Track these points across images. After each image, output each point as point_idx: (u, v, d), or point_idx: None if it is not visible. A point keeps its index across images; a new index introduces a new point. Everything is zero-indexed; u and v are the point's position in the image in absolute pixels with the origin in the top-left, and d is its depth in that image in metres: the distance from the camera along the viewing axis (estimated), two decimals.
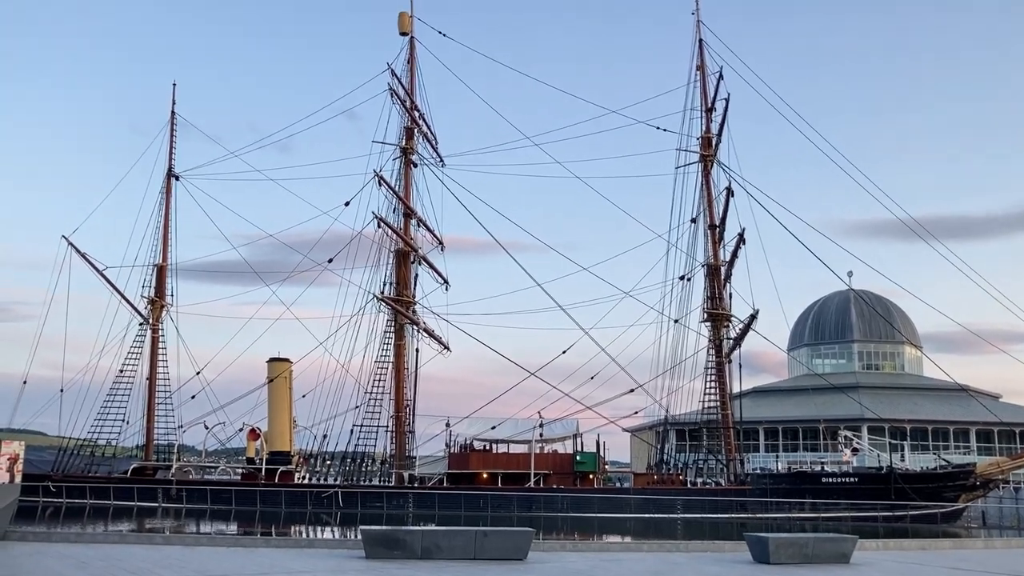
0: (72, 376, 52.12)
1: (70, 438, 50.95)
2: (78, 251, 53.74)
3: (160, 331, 54.77)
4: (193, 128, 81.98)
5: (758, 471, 54.43)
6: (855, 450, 52.33)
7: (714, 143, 54.52)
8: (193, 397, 51.89)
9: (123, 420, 52.03)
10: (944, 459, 52.02)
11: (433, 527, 18.03)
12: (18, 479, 16.71)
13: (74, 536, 19.32)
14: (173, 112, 58.04)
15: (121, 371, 52.72)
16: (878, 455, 52.39)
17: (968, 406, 62.30)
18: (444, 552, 16.04)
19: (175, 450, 52.87)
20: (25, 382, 51.39)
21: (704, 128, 54.93)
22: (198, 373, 51.94)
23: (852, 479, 46.91)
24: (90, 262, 53.97)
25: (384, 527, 17.02)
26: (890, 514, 44.10)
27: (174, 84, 58.97)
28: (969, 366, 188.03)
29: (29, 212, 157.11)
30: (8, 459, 16.48)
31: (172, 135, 57.55)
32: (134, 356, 53.40)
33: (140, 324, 54.46)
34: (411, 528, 16.99)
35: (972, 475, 47.14)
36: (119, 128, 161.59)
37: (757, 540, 17.48)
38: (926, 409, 66.05)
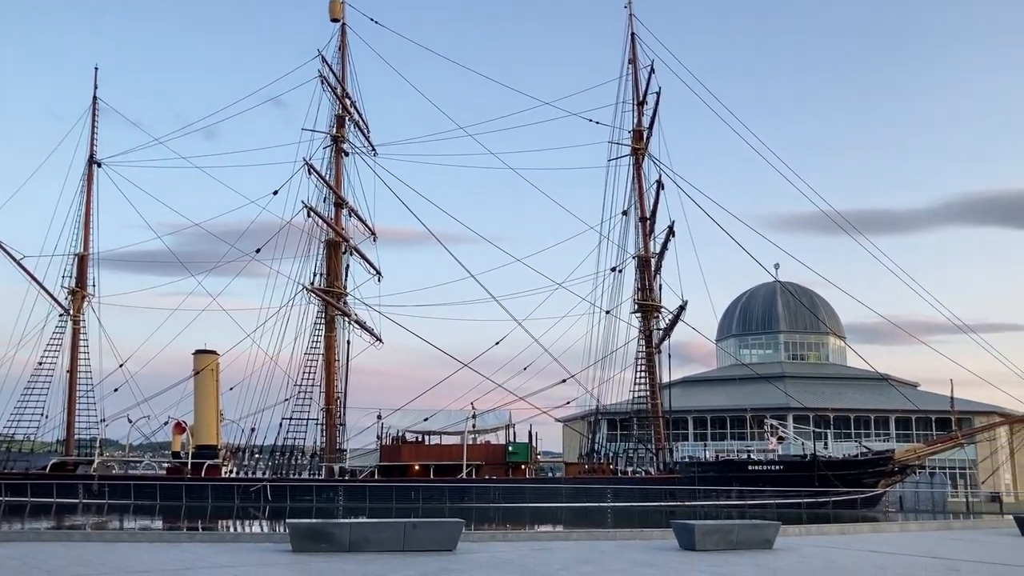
0: None
1: (11, 436, 49.33)
2: None
3: (81, 322, 53.16)
4: (115, 114, 79.43)
5: (687, 459, 55.46)
6: (780, 438, 53.70)
7: (645, 136, 55.13)
8: (116, 390, 50.51)
9: (42, 414, 50.47)
10: (865, 446, 53.73)
11: (361, 519, 17.91)
12: None
13: None
14: (95, 97, 56.23)
15: (40, 363, 51.11)
16: (802, 443, 53.80)
17: (888, 394, 64.38)
18: (373, 544, 15.97)
19: (97, 445, 51.42)
20: None
21: (636, 121, 55.50)
22: (121, 366, 50.60)
23: (777, 466, 48.12)
24: (6, 250, 52.16)
25: (311, 520, 16.85)
26: (813, 500, 45.36)
27: (96, 68, 57.17)
28: (890, 356, 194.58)
29: None
30: None
31: (94, 120, 55.80)
32: (54, 348, 51.80)
33: (60, 315, 52.78)
34: (339, 521, 16.87)
35: (891, 461, 48.82)
36: (37, 113, 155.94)
37: (683, 527, 17.81)
38: (848, 398, 68.09)
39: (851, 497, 45.93)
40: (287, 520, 17.32)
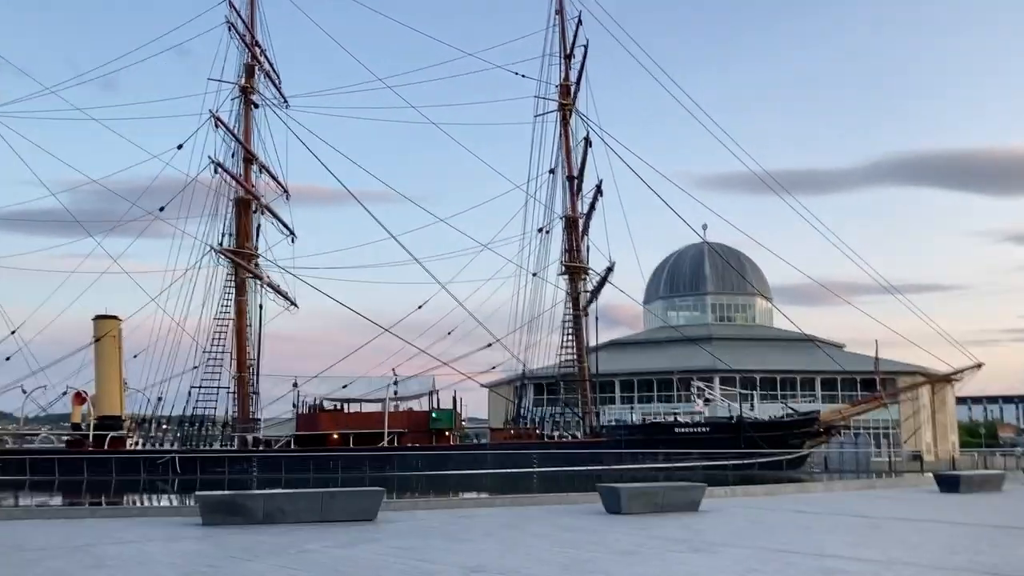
0: None
1: None
2: None
3: None
4: (1, 61, 75.79)
5: (613, 423, 56.51)
6: (707, 400, 55.15)
7: (573, 91, 55.22)
8: (8, 359, 48.73)
9: None
10: (790, 407, 55.51)
11: (276, 490, 17.76)
12: None
13: None
14: None
15: None
16: (729, 405, 55.29)
17: (814, 356, 66.45)
18: (288, 516, 15.85)
19: None
20: None
21: (563, 75, 55.52)
22: (13, 332, 48.76)
23: (704, 429, 49.43)
24: None
25: (222, 492, 16.63)
26: (740, 462, 46.78)
27: None
28: (816, 317, 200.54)
29: None
30: None
31: None
32: None
33: None
34: (252, 492, 16.69)
35: (816, 422, 50.60)
36: None
37: (609, 491, 18.15)
38: (775, 359, 70.09)
39: (777, 458, 47.49)
40: (197, 492, 17.06)
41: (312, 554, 11.80)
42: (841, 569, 10.44)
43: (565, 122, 54.97)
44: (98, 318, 50.14)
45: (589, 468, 45.27)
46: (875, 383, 57.53)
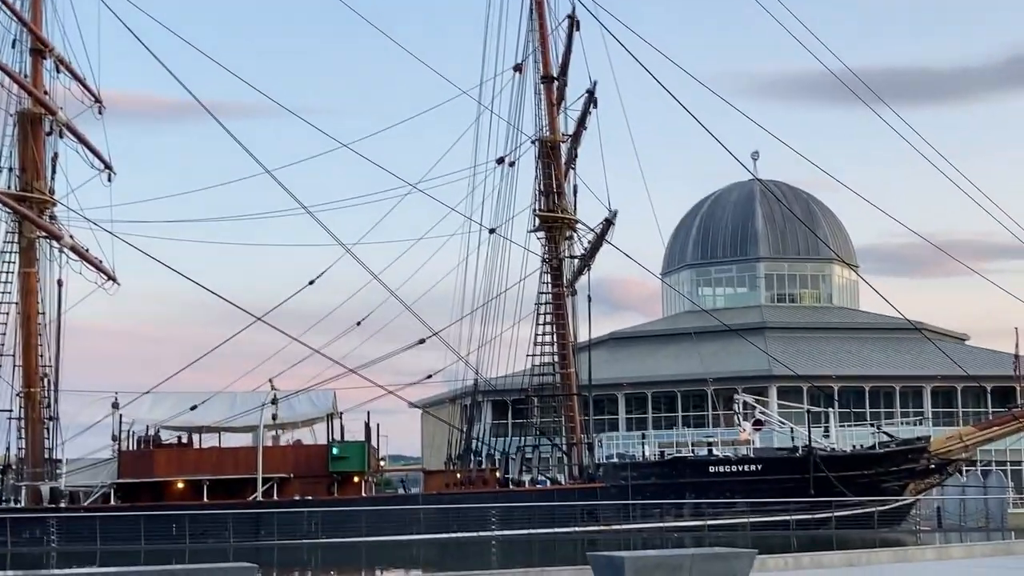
0: None
1: None
2: None
3: None
4: None
5: (616, 460, 56.49)
6: (758, 423, 55.28)
7: None
8: None
9: None
10: (886, 432, 55.81)
11: (83, 571, 17.35)
12: None
13: None
14: None
15: None
16: (791, 429, 55.51)
17: (922, 353, 66.99)
18: None
19: None
20: None
21: None
22: None
23: (754, 466, 49.56)
24: None
25: None
26: (808, 516, 46.98)
27: None
28: (925, 295, 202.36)
29: None
30: None
31: None
32: None
33: None
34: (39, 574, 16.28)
35: (925, 453, 50.90)
36: None
37: (606, 562, 17.95)
38: (862, 359, 70.58)
39: (865, 510, 47.75)
40: None
41: None
42: None
43: None
44: None
45: (579, 529, 45.24)
46: (1016, 393, 57.97)
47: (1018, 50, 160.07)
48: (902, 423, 64.49)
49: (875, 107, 54.42)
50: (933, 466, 51.63)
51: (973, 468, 55.62)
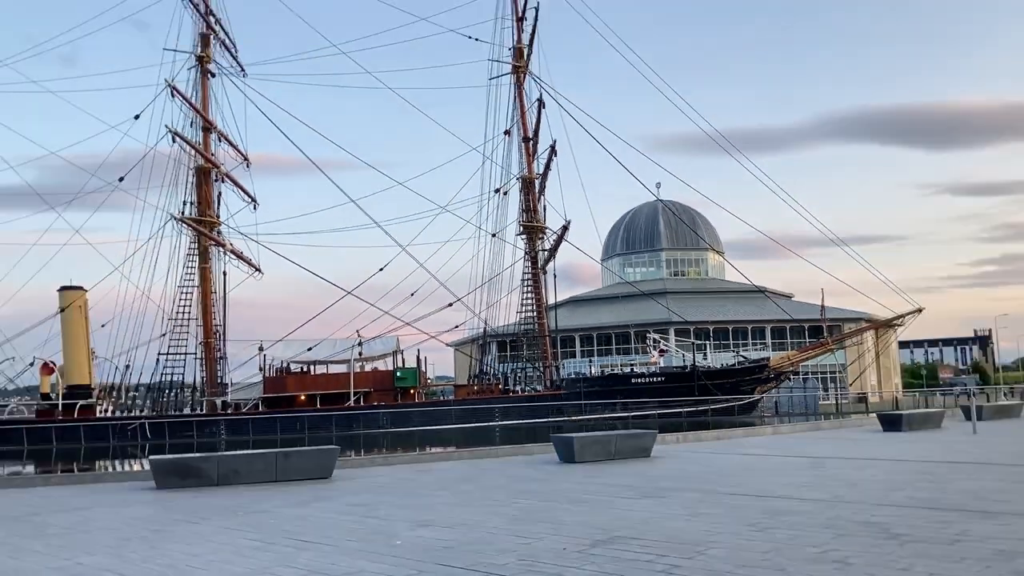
0: None
1: None
2: None
3: None
4: None
5: (573, 376, 56.41)
6: (662, 351, 55.17)
7: (526, 54, 54.27)
8: None
9: None
10: (742, 355, 55.73)
11: (229, 452, 17.16)
12: None
13: None
14: None
15: None
16: (683, 355, 55.40)
17: (764, 306, 66.80)
18: (243, 477, 15.28)
19: None
20: None
21: (516, 38, 54.49)
22: None
23: (659, 378, 49.45)
24: None
25: (174, 455, 16.02)
26: (694, 409, 46.92)
27: None
28: (766, 270, 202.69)
29: None
30: None
31: None
32: None
33: None
34: (205, 455, 16.06)
35: (766, 368, 50.82)
36: None
37: (562, 441, 17.82)
38: (727, 310, 70.42)
39: (729, 404, 47.69)
40: (149, 456, 16.44)
41: (260, 515, 11.28)
42: (787, 509, 10.15)
43: (519, 84, 54.07)
44: (63, 289, 48.84)
45: (550, 420, 45.19)
46: (822, 330, 57.89)
47: (820, 113, 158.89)
48: (752, 350, 64.40)
49: (732, 152, 54.34)
50: (772, 376, 51.62)
51: (797, 376, 55.40)
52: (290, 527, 10.06)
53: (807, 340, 63.41)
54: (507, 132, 53.73)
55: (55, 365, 48.15)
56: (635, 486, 13.12)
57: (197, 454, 16.37)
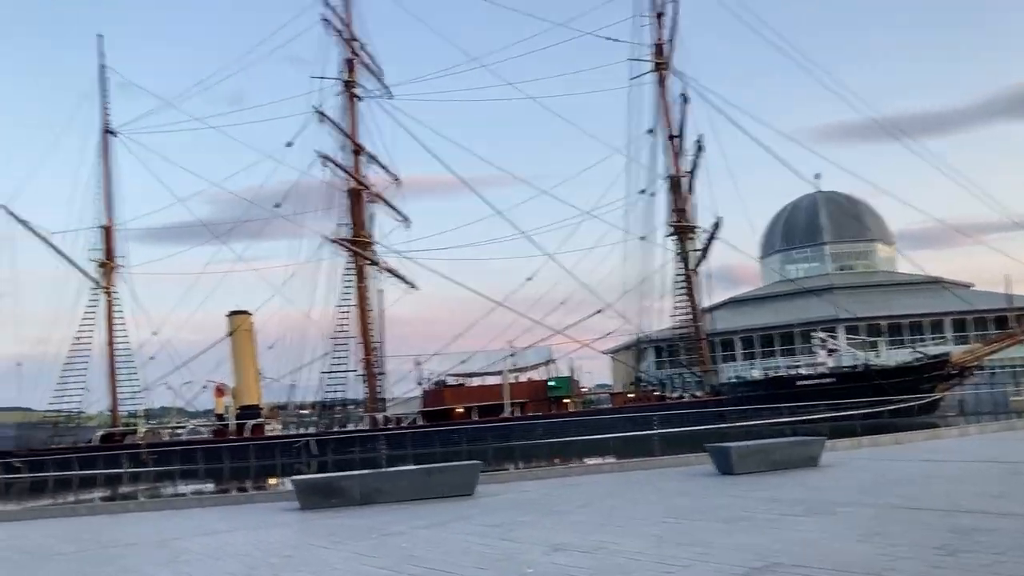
0: (28, 349, 50.58)
1: (57, 412, 49.84)
2: (18, 219, 51.61)
3: (113, 294, 53.04)
4: (119, 79, 77.99)
5: (734, 380, 54.11)
6: (831, 351, 51.97)
7: (666, 50, 52.76)
8: (152, 358, 50.57)
9: (83, 388, 50.69)
10: (919, 351, 51.78)
11: (370, 470, 16.94)
12: None
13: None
14: (102, 66, 55.43)
15: (77, 338, 51.22)
16: (855, 354, 52.02)
17: (941, 297, 62.05)
18: (386, 495, 14.96)
19: (141, 414, 51.69)
20: None
21: (656, 35, 53.11)
22: (154, 334, 50.59)
23: (829, 379, 46.55)
24: (32, 230, 51.89)
25: (315, 475, 15.95)
26: (869, 411, 43.81)
27: (99, 36, 56.20)
28: (942, 260, 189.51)
29: None
30: None
31: (103, 90, 55.04)
32: (89, 322, 51.85)
33: (92, 288, 52.73)
34: (348, 473, 15.88)
35: (947, 364, 46.91)
36: (46, 88, 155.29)
37: (718, 451, 16.54)
38: (900, 304, 65.82)
39: (908, 405, 44.28)
40: (292, 478, 16.43)
41: (394, 537, 10.80)
42: (980, 527, 8.67)
43: (661, 82, 52.56)
44: (231, 314, 51.35)
45: (711, 427, 43.32)
46: (1007, 320, 53.02)
47: (991, 93, 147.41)
48: (930, 345, 59.84)
49: (900, 137, 50.67)
50: (954, 372, 47.63)
51: (983, 371, 50.93)
52: (420, 552, 9.49)
53: (991, 332, 58.32)
54: (651, 131, 52.32)
55: (226, 387, 50.62)
56: (799, 501, 11.80)
57: (339, 473, 16.23)
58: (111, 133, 54.45)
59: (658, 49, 52.65)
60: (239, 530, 12.51)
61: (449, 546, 9.82)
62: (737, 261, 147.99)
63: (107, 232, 53.63)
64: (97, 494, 33.37)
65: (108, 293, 53.00)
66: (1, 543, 12.50)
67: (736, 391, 48.20)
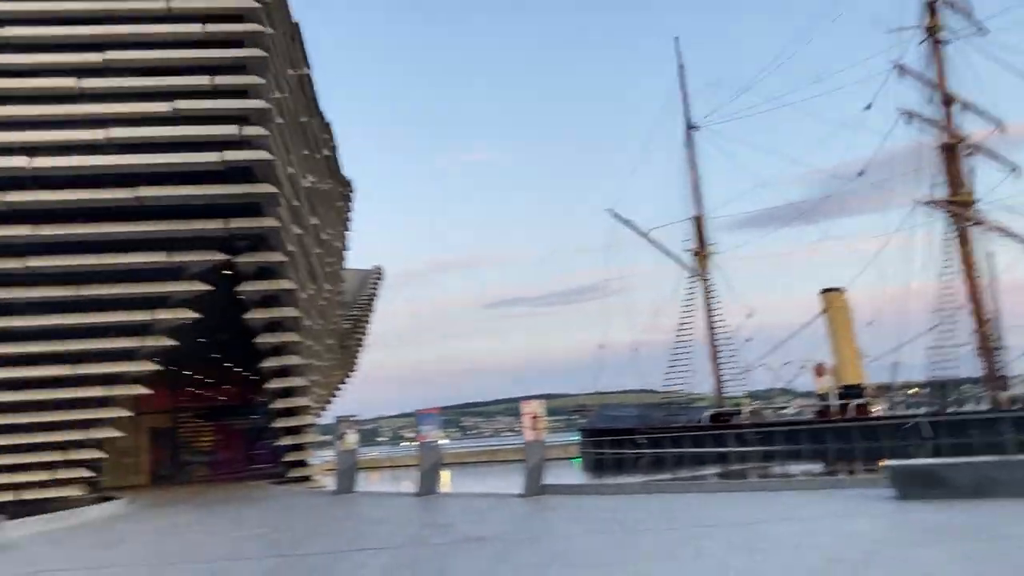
0: (641, 337, 55.80)
1: (671, 393, 54.65)
2: (623, 220, 57.33)
3: (708, 281, 55.81)
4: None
5: None
6: None
7: None
8: (749, 340, 52.04)
9: (690, 370, 54.19)
10: None
11: (984, 458, 14.50)
12: (544, 436, 17.53)
13: (610, 488, 19.86)
14: (680, 66, 59.21)
15: (680, 324, 55.00)
16: None
17: None
18: (1003, 489, 12.66)
19: (745, 394, 53.43)
20: (601, 347, 56.35)
21: None
22: (749, 316, 51.97)
23: None
24: (635, 228, 57.15)
25: (915, 461, 14.15)
26: None
27: (676, 39, 59.87)
28: None
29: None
30: (531, 418, 17.40)
31: (683, 88, 58.53)
32: (689, 307, 55.32)
33: (688, 277, 56.16)
34: (953, 460, 13.85)
35: None
36: (632, 100, 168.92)
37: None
38: None
39: None
40: (885, 463, 14.90)
41: (1009, 541, 8.95)
42: None
43: None
44: (824, 292, 50.25)
45: None
46: None
47: None
48: None
49: None
50: None
51: None
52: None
53: None
54: None
55: (826, 366, 49.52)
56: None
57: (943, 460, 14.28)
58: (693, 128, 57.45)
59: None
60: (825, 517, 11.68)
61: None
62: None
63: (698, 222, 56.62)
64: (709, 471, 35.07)
65: (704, 280, 55.89)
66: (604, 515, 13.51)
67: None
